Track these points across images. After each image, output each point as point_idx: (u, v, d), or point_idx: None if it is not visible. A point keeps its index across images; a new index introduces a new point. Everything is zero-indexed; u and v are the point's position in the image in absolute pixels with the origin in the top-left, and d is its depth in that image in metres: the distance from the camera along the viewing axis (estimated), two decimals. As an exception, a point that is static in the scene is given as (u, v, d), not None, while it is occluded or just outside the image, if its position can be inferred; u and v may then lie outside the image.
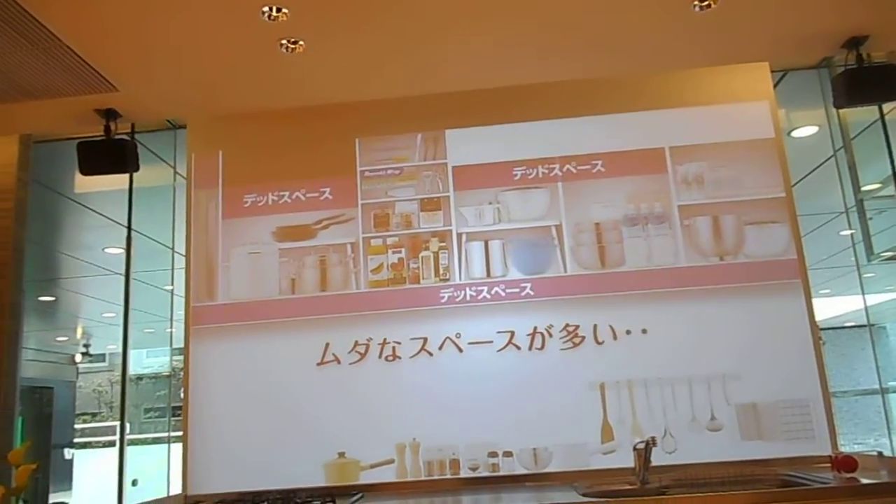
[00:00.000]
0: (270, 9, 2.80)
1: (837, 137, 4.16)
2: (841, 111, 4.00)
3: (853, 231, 4.51)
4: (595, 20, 3.07)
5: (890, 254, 4.08)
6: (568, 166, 3.62)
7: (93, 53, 3.05)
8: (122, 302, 4.27)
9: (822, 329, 3.45)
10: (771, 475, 3.07)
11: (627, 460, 3.14)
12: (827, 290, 9.52)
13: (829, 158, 4.50)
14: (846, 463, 2.82)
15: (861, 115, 3.97)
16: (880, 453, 2.93)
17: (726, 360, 3.36)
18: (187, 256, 3.70)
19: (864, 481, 2.65)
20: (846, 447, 3.46)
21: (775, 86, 3.80)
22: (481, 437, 3.37)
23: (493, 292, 3.52)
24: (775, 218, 3.49)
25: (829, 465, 2.96)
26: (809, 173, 4.83)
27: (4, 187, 3.92)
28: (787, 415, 3.29)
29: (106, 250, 6.02)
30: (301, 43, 3.07)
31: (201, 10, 2.78)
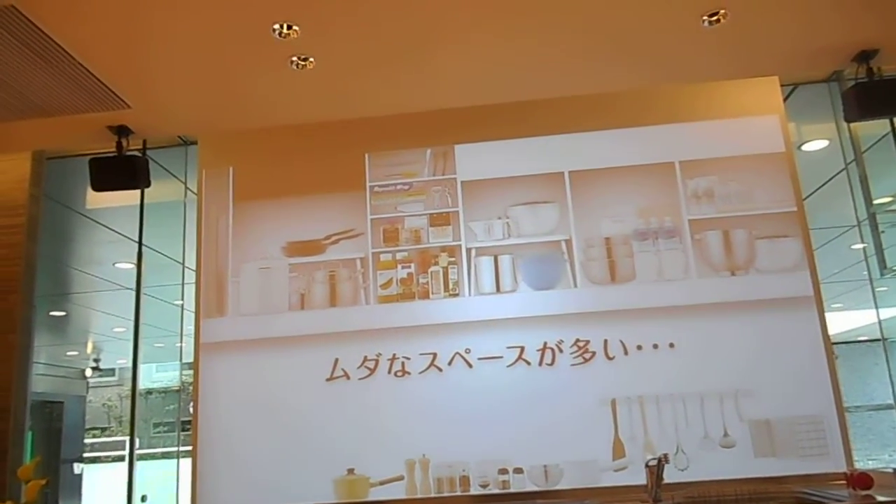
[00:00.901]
0: (281, 26, 2.82)
1: (848, 151, 4.14)
2: (852, 124, 3.98)
3: (865, 245, 4.47)
4: (603, 35, 3.08)
5: (903, 267, 4.04)
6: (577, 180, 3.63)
7: (106, 71, 3.08)
8: (132, 317, 4.28)
9: (834, 343, 3.41)
10: (785, 493, 3.03)
11: (639, 477, 3.11)
12: (839, 305, 9.44)
13: (840, 172, 4.48)
14: (862, 480, 2.78)
15: (872, 128, 3.95)
16: (896, 470, 2.88)
17: (738, 375, 3.33)
18: (197, 271, 3.72)
19: (881, 499, 2.61)
20: (860, 463, 3.41)
21: (785, 99, 3.79)
22: (491, 453, 3.35)
23: (502, 307, 3.51)
24: (787, 232, 3.47)
25: (844, 482, 2.92)
26: (820, 187, 4.80)
27: (17, 203, 3.96)
28: (801, 431, 3.25)
29: (116, 265, 6.05)
30: (311, 60, 3.09)
31: (214, 28, 2.81)
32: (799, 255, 3.45)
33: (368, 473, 3.38)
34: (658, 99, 3.70)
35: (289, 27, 2.83)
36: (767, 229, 3.48)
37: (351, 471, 3.38)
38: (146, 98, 3.36)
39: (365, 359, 3.52)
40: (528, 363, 3.44)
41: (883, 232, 4.02)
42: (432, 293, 3.57)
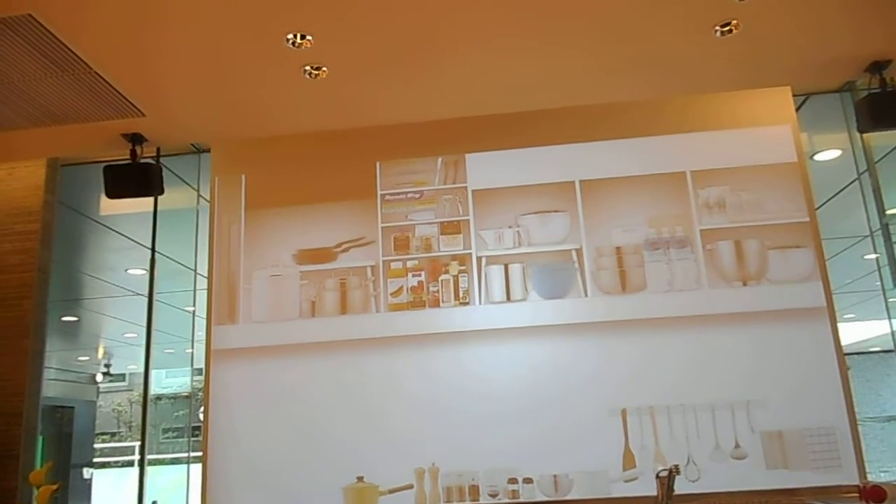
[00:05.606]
0: (295, 36, 2.85)
1: (861, 161, 4.12)
2: (864, 135, 3.96)
3: (878, 255, 4.45)
4: (616, 46, 3.08)
5: (916, 278, 4.01)
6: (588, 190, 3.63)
7: (121, 80, 3.12)
8: (143, 322, 4.30)
9: (846, 354, 3.39)
10: (797, 505, 3.01)
11: (650, 488, 3.09)
12: (851, 315, 9.36)
13: (852, 182, 4.45)
14: (875, 493, 2.76)
15: (885, 138, 3.93)
16: (910, 484, 2.86)
17: (750, 386, 3.31)
18: (209, 278, 3.73)
19: (895, 513, 2.59)
20: (872, 475, 3.38)
21: (797, 109, 3.78)
22: (501, 462, 3.34)
23: (512, 316, 3.51)
24: (799, 242, 3.46)
25: (856, 494, 2.90)
26: (832, 197, 4.78)
27: (32, 209, 3.99)
28: (814, 443, 3.23)
29: (129, 271, 6.08)
30: (324, 69, 3.12)
31: (228, 37, 2.84)
32: (811, 265, 3.43)
33: (378, 481, 3.37)
34: (670, 109, 3.70)
35: (302, 37, 2.85)
36: (780, 239, 3.47)
37: (360, 479, 3.38)
38: (160, 106, 3.39)
39: (375, 366, 3.52)
40: (539, 372, 3.43)
41: (896, 242, 4.00)
42: (442, 301, 3.57)
